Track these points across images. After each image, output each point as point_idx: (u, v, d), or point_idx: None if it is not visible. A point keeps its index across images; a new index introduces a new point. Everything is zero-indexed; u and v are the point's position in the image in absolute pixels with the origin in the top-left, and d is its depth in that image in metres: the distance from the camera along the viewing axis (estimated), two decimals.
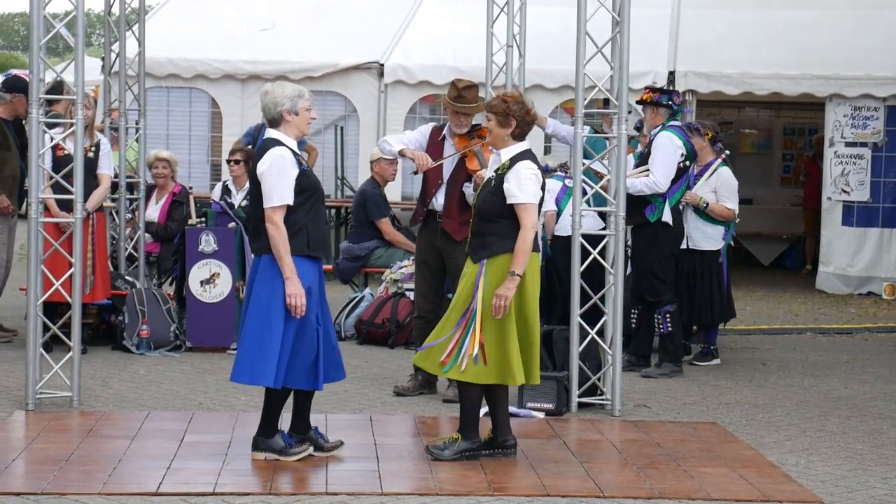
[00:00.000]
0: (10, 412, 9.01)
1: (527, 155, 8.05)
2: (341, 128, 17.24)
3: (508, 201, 7.90)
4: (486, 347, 7.87)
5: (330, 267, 13.76)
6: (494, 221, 7.96)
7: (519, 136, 8.07)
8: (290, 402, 7.97)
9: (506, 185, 7.92)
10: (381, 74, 17.14)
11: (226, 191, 13.05)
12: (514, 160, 7.99)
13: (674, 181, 10.95)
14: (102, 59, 13.59)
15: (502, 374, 7.95)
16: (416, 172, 9.84)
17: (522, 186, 7.91)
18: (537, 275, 8.09)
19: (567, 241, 10.70)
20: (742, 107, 20.16)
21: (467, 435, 8.03)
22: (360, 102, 17.25)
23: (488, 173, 8.22)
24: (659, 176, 10.84)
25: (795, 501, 7.32)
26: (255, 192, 7.79)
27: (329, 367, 7.91)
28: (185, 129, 17.59)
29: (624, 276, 9.99)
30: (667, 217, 10.94)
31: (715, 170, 11.61)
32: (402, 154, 9.73)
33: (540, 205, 8.10)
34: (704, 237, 11.48)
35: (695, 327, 11.95)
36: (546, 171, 10.29)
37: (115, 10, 13.04)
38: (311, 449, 7.96)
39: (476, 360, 7.86)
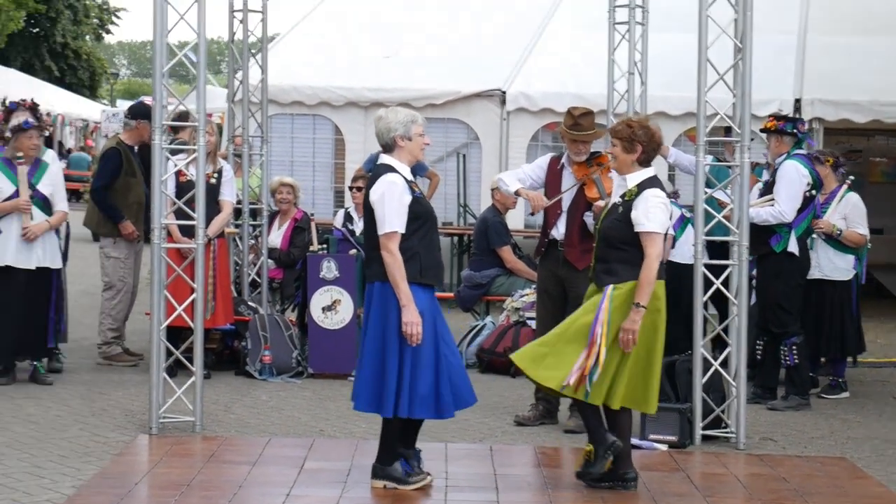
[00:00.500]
0: (134, 436, 9.10)
1: (655, 182, 7.97)
2: (463, 155, 17.23)
3: (635, 229, 7.82)
4: (617, 375, 7.76)
5: (451, 294, 13.78)
6: (620, 248, 7.88)
7: (644, 161, 7.99)
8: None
9: (633, 213, 7.84)
10: (504, 102, 17.12)
11: (348, 218, 13.10)
12: (641, 186, 7.91)
13: (800, 210, 10.77)
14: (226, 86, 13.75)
15: (634, 400, 7.85)
16: (532, 213, 9.81)
17: (650, 215, 7.82)
18: (661, 303, 7.97)
19: (679, 267, 10.60)
20: (871, 135, 19.82)
21: (598, 440, 7.89)
22: (483, 130, 17.23)
23: (613, 198, 8.14)
24: (784, 205, 10.67)
25: None
26: (369, 219, 7.78)
27: (456, 394, 7.84)
28: (309, 155, 17.70)
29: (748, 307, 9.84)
30: (792, 247, 10.75)
31: (842, 196, 11.43)
32: (518, 194, 9.72)
33: (665, 233, 8.00)
34: (835, 267, 11.28)
35: (822, 359, 11.72)
36: None
37: (239, 37, 13.18)
38: (431, 478, 7.91)
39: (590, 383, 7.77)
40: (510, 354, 8.28)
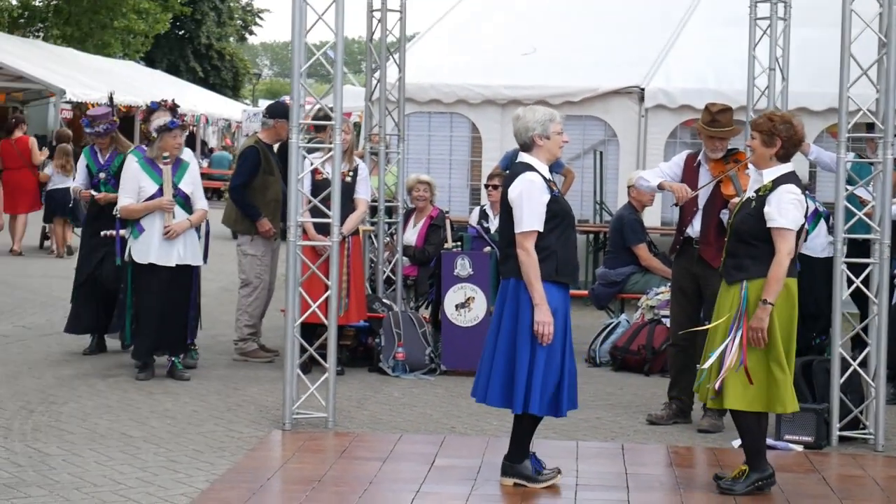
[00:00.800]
0: (268, 431, 9.20)
1: (791, 178, 7.83)
2: (601, 152, 17.13)
3: (768, 225, 7.70)
4: (751, 375, 7.65)
5: (585, 292, 13.72)
6: (751, 244, 7.76)
7: (783, 157, 7.86)
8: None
9: (766, 208, 7.72)
10: (642, 99, 16.97)
11: (483, 215, 13.12)
12: (776, 182, 7.79)
13: None
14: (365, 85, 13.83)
15: (770, 401, 7.73)
16: (676, 204, 9.72)
17: (783, 211, 7.69)
18: (794, 299, 7.84)
19: (810, 261, 10.45)
20: None
21: (755, 465, 7.81)
22: (620, 127, 17.11)
23: (748, 192, 8.02)
24: None
25: None
26: (506, 216, 7.78)
27: (570, 396, 7.82)
28: (446, 153, 17.74)
29: (890, 306, 9.64)
30: None
31: None
32: (661, 187, 9.63)
33: (800, 232, 7.86)
34: None
35: None
36: None
37: (378, 36, 13.25)
38: (560, 476, 7.88)
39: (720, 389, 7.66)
40: (705, 399, 8.15)
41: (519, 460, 7.85)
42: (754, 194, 7.89)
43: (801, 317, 7.94)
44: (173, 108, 11.20)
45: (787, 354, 7.75)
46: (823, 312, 10.60)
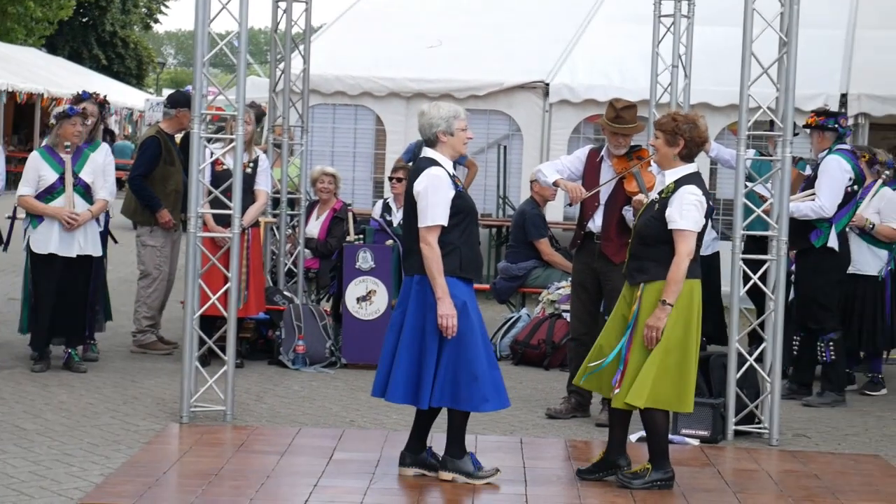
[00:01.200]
0: (165, 424, 9.12)
1: (693, 179, 7.87)
2: (504, 147, 17.17)
3: (669, 226, 7.74)
4: (649, 372, 7.69)
5: (487, 286, 13.74)
6: (654, 246, 7.80)
7: (686, 157, 7.90)
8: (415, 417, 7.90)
9: (668, 210, 7.76)
10: (546, 94, 17.04)
11: (386, 208, 13.09)
12: (678, 183, 7.83)
13: (841, 205, 10.66)
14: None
15: (675, 400, 7.78)
16: (570, 204, 9.76)
17: (684, 213, 7.74)
18: (698, 301, 7.89)
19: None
20: None
21: (659, 465, 7.85)
22: (524, 121, 17.16)
23: (652, 195, 8.06)
24: (825, 200, 10.57)
25: None
26: (410, 211, 7.77)
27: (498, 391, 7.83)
28: (350, 146, 17.69)
29: (786, 302, 9.76)
30: (832, 243, 10.65)
31: (877, 191, 11.33)
32: (556, 185, 9.66)
33: (702, 232, 7.90)
34: (867, 262, 11.18)
35: (862, 354, 11.59)
36: None
37: (283, 27, 13.16)
38: (498, 474, 7.87)
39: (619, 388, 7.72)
40: (574, 381, 8.21)
41: (459, 455, 7.83)
42: (657, 196, 7.93)
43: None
44: (103, 103, 11.11)
45: (689, 356, 7.78)
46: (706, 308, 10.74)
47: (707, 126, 8.06)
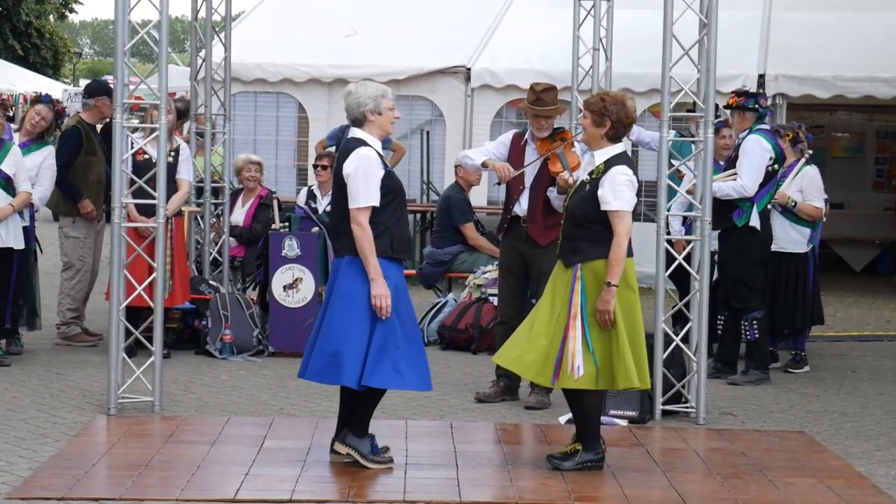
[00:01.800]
0: (93, 416, 9.05)
1: (622, 159, 7.91)
2: (427, 132, 17.18)
3: (602, 208, 7.78)
4: (596, 354, 7.74)
5: (413, 272, 13.75)
6: (587, 226, 7.83)
7: (613, 137, 7.93)
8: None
9: (600, 191, 7.80)
10: (468, 79, 17.06)
11: (311, 196, 13.06)
12: (608, 164, 7.87)
13: (762, 185, 10.78)
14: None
15: (614, 379, 7.81)
16: (498, 183, 9.79)
17: (617, 193, 7.77)
18: (633, 279, 7.95)
19: None
20: (834, 110, 19.85)
21: (590, 446, 7.90)
22: (447, 107, 17.18)
23: (582, 175, 8.10)
24: (747, 180, 10.68)
25: None
26: (339, 193, 7.74)
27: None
28: (272, 133, 17.62)
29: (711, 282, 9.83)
30: (754, 222, 10.76)
31: (799, 170, 11.46)
32: (484, 165, 9.68)
33: (633, 210, 7.96)
34: (791, 240, 11.31)
35: (785, 331, 11.73)
36: None
37: (203, 15, 13.07)
38: (393, 465, 7.88)
39: (580, 370, 7.72)
40: (491, 357, 8.23)
41: (361, 434, 7.83)
42: (588, 177, 7.96)
43: None
44: (60, 112, 11.02)
45: (633, 331, 7.82)
46: None
47: (635, 107, 8.10)
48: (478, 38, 17.77)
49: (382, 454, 7.87)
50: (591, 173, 7.95)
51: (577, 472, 7.80)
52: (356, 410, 7.83)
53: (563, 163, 9.50)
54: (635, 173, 7.96)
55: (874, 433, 9.22)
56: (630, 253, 7.88)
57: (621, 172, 7.82)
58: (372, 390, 7.73)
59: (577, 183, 8.10)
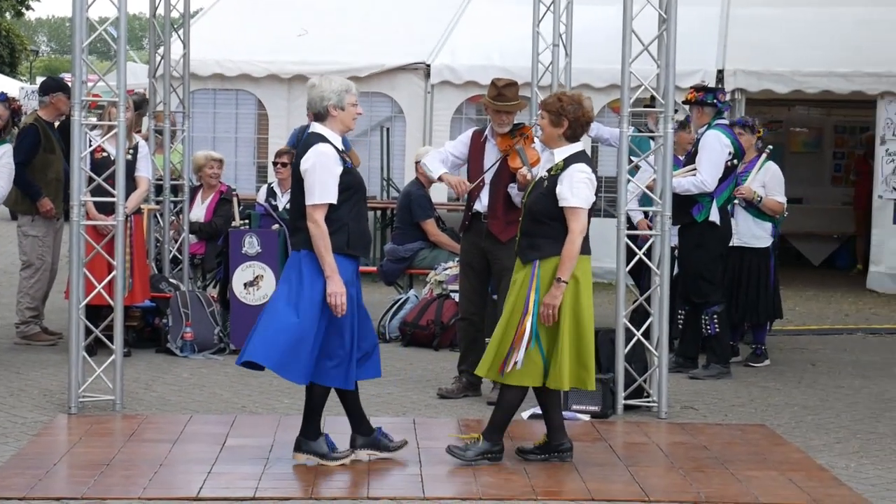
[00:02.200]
0: (53, 416, 9.00)
1: (581, 157, 7.94)
2: (387, 129, 17.18)
3: (560, 204, 7.79)
4: (545, 351, 7.75)
5: (374, 269, 13.74)
6: (545, 223, 7.85)
7: (571, 137, 7.95)
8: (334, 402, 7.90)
9: (558, 188, 7.81)
10: (428, 75, 17.08)
11: (271, 193, 13.02)
12: (567, 161, 7.88)
13: (721, 180, 10.82)
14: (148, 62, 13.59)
15: (540, 376, 7.83)
16: (456, 199, 9.79)
17: (575, 190, 7.79)
18: (590, 277, 7.97)
19: None
20: (792, 105, 19.97)
21: (489, 437, 7.92)
22: (407, 103, 17.18)
23: (541, 172, 8.11)
24: (706, 175, 10.72)
25: None
26: (297, 188, 7.71)
27: (365, 365, 7.84)
28: (232, 131, 17.57)
29: (671, 277, 9.87)
30: (714, 217, 10.81)
31: (762, 165, 11.52)
32: (440, 180, 9.72)
33: (591, 210, 7.98)
34: (753, 234, 11.36)
35: (745, 324, 11.79)
36: None
37: (161, 12, 13.01)
38: (354, 455, 7.88)
39: (519, 364, 7.75)
40: (476, 371, 8.24)
41: (313, 437, 7.82)
42: (546, 174, 7.98)
43: None
44: (17, 110, 11.03)
45: (579, 331, 7.84)
46: None
47: (592, 107, 8.12)
48: (438, 35, 17.79)
49: (341, 450, 7.87)
50: (550, 170, 7.96)
51: (540, 463, 7.82)
52: (306, 412, 7.83)
53: (521, 158, 9.49)
54: (594, 171, 7.97)
55: (834, 426, 9.28)
56: (587, 251, 7.89)
57: (580, 170, 7.84)
58: (317, 390, 7.73)
59: (536, 179, 8.11)
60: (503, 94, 9.73)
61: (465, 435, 8.04)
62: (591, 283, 7.94)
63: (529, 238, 7.92)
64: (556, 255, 7.77)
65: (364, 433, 7.96)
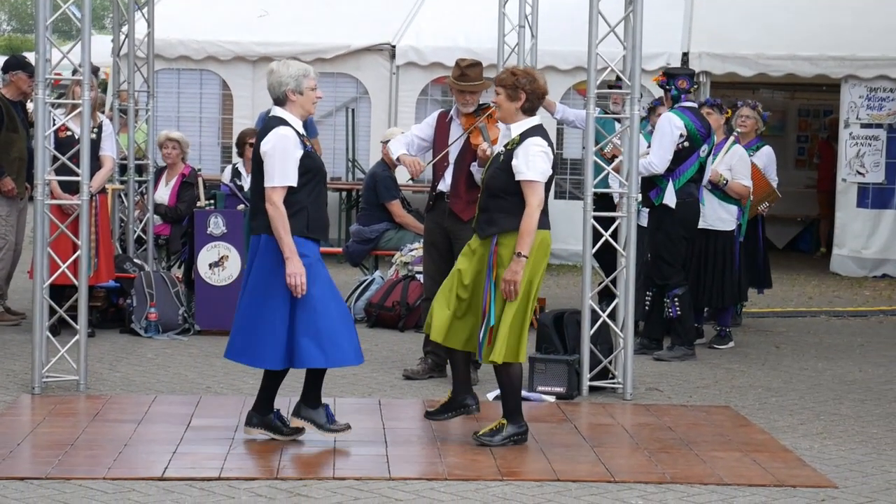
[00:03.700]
0: (17, 396, 8.95)
1: (538, 131, 7.91)
2: (352, 110, 17.15)
3: (516, 178, 7.78)
4: (505, 326, 7.74)
5: (339, 250, 13.72)
6: (502, 198, 7.83)
7: (529, 110, 7.94)
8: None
9: (514, 162, 7.80)
10: (393, 56, 17.06)
11: (235, 173, 12.99)
12: (524, 135, 7.87)
13: (682, 161, 10.81)
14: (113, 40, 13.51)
15: (512, 352, 7.84)
16: (411, 179, 9.79)
17: (530, 163, 7.78)
18: (547, 252, 7.99)
19: None
20: (756, 88, 20.02)
21: (514, 420, 7.91)
22: (372, 84, 17.15)
23: (497, 148, 8.11)
24: (654, 157, 10.74)
25: (808, 486, 7.22)
26: (257, 171, 7.71)
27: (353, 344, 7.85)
28: (196, 111, 17.51)
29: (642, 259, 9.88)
30: (669, 199, 10.79)
31: (729, 147, 11.55)
32: (398, 161, 9.69)
33: (550, 182, 7.98)
34: (718, 217, 11.39)
35: (706, 309, 11.84)
36: None
37: None
38: (349, 430, 7.91)
39: (486, 340, 7.75)
40: (426, 331, 8.23)
41: (265, 412, 7.85)
42: (503, 149, 7.97)
43: None
44: None
45: (523, 305, 7.81)
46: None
47: (545, 80, 8.11)
48: (403, 16, 17.75)
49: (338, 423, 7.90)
50: (506, 145, 7.94)
51: (504, 447, 7.82)
52: (306, 384, 7.86)
53: (483, 136, 9.49)
54: (551, 146, 7.95)
55: (798, 407, 9.33)
56: (546, 225, 7.89)
57: (535, 143, 7.82)
58: (275, 371, 7.77)
59: (494, 154, 8.11)
60: (466, 74, 9.73)
61: (493, 423, 7.97)
62: (547, 258, 7.95)
63: (487, 213, 7.89)
64: (514, 229, 7.74)
65: (262, 413, 7.91)
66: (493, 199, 7.87)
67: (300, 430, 7.90)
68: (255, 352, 7.69)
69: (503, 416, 7.95)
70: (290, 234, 7.58)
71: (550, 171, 7.87)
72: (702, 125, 11.01)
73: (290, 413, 7.91)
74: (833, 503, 6.94)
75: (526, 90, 7.89)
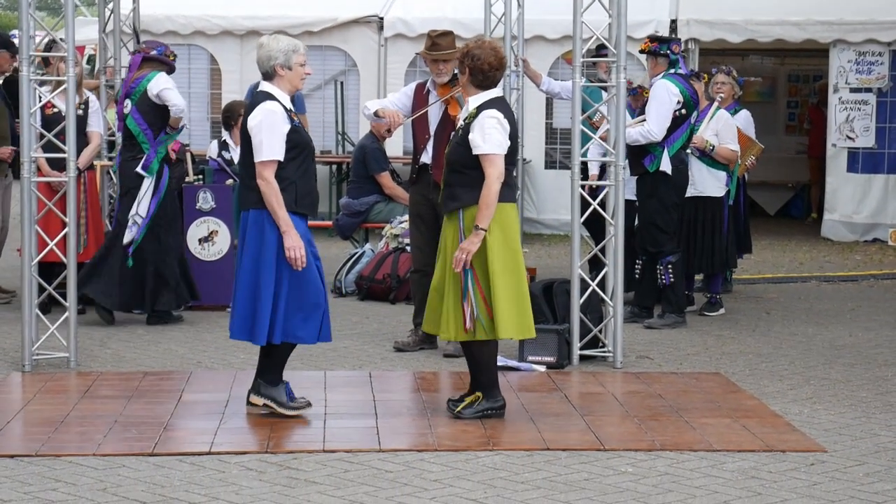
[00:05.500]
0: (7, 374, 8.95)
1: (494, 103, 7.82)
2: (341, 83, 17.11)
3: (474, 152, 7.72)
4: (490, 303, 7.73)
5: (329, 223, 13.71)
6: (462, 172, 7.76)
7: (481, 84, 7.84)
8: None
9: (471, 136, 7.73)
10: (381, 28, 17.01)
11: (223, 147, 12.93)
12: (480, 108, 7.81)
13: (674, 129, 10.83)
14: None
15: (518, 328, 7.82)
16: (389, 131, 9.79)
17: (486, 136, 7.70)
18: (516, 225, 7.97)
19: None
20: (746, 55, 19.99)
21: (490, 394, 7.90)
22: (360, 57, 17.12)
23: (459, 122, 8.08)
24: (653, 125, 10.73)
25: (799, 451, 7.24)
26: (246, 146, 7.70)
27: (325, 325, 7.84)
28: (185, 86, 17.40)
29: (631, 228, 9.87)
30: (665, 166, 10.81)
31: (714, 113, 11.55)
32: (377, 115, 9.64)
33: (514, 155, 7.94)
34: (707, 184, 11.39)
35: (696, 277, 11.84)
36: None
37: None
38: (310, 408, 7.88)
39: (478, 318, 7.72)
40: (422, 328, 8.20)
41: (274, 383, 7.82)
42: (462, 123, 7.93)
43: None
44: None
45: (513, 280, 7.78)
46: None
47: (502, 55, 7.97)
48: None
49: (298, 399, 7.87)
50: (465, 119, 7.90)
51: (486, 419, 7.81)
52: (269, 361, 7.83)
53: (460, 104, 9.47)
54: (509, 118, 7.84)
55: (788, 373, 9.35)
56: (511, 198, 7.85)
57: (490, 116, 7.73)
58: (286, 343, 7.74)
59: (455, 130, 8.06)
60: (437, 43, 9.75)
61: (469, 397, 7.95)
62: (517, 231, 7.92)
63: (450, 188, 7.84)
64: (475, 203, 7.69)
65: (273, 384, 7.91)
66: (455, 174, 7.82)
67: (303, 407, 7.88)
68: (253, 329, 7.69)
69: (477, 390, 7.92)
70: (284, 207, 7.57)
71: (508, 143, 7.80)
72: (693, 92, 11.03)
73: (249, 390, 7.88)
74: (823, 467, 6.96)
75: (468, 65, 7.83)
